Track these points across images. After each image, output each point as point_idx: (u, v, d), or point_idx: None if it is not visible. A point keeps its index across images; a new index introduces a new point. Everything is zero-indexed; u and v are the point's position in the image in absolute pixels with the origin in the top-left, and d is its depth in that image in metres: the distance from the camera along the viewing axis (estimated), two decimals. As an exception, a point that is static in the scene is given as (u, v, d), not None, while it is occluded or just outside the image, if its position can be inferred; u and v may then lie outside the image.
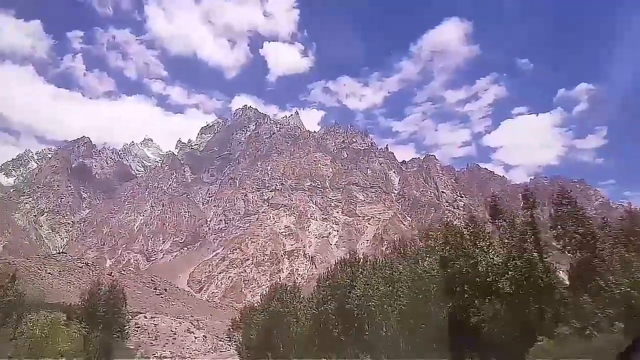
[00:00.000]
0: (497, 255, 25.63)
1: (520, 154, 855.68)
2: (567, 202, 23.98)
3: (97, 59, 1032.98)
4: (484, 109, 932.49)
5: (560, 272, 24.47)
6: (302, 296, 51.65)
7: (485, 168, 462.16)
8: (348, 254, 43.82)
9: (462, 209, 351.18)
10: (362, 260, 41.05)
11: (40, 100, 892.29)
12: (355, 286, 36.30)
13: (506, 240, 24.86)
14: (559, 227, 24.17)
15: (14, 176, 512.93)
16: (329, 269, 46.67)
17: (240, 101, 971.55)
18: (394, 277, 31.15)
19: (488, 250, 26.08)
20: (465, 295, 26.71)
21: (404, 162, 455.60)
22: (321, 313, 40.50)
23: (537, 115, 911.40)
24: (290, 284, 61.38)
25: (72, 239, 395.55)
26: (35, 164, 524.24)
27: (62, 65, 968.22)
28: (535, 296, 23.83)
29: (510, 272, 23.90)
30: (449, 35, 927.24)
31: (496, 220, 26.16)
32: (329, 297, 40.47)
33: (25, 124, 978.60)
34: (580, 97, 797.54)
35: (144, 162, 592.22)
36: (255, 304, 69.76)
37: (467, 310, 26.84)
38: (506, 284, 25.06)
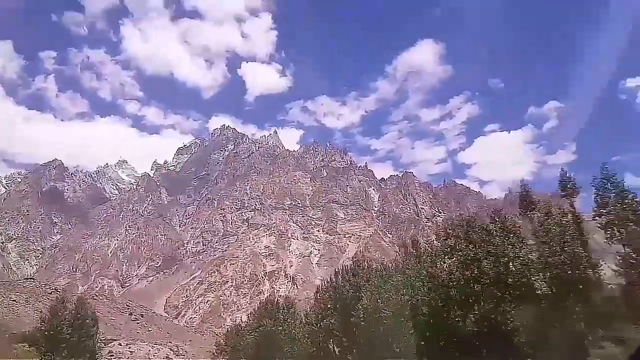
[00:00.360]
0: (532, 252, 22.41)
1: (493, 170, 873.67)
2: (613, 186, 20.88)
3: (71, 80, 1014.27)
4: (458, 127, 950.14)
5: (606, 265, 21.26)
6: (296, 312, 47.35)
7: (461, 184, 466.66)
8: (350, 263, 39.74)
9: (441, 224, 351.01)
10: (367, 267, 37.25)
11: (9, 122, 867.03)
12: (362, 297, 32.61)
13: (542, 233, 21.51)
14: (602, 214, 21.02)
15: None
16: (329, 279, 42.67)
17: (217, 121, 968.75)
18: (408, 284, 27.59)
19: (521, 246, 22.81)
20: (495, 300, 23.38)
21: (382, 179, 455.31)
22: (321, 329, 36.52)
23: (509, 132, 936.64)
24: (282, 299, 56.82)
25: (42, 266, 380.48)
26: (4, 189, 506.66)
27: (33, 86, 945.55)
28: (580, 295, 20.61)
29: (550, 270, 20.69)
30: (423, 56, 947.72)
31: (527, 212, 22.90)
32: (330, 311, 36.58)
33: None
34: (549, 114, 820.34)
35: (119, 184, 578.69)
36: (243, 324, 64.95)
37: (496, 317, 23.49)
38: (543, 285, 21.82)
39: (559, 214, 21.49)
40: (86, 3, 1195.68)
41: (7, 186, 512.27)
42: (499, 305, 23.35)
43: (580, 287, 20.41)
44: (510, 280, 22.48)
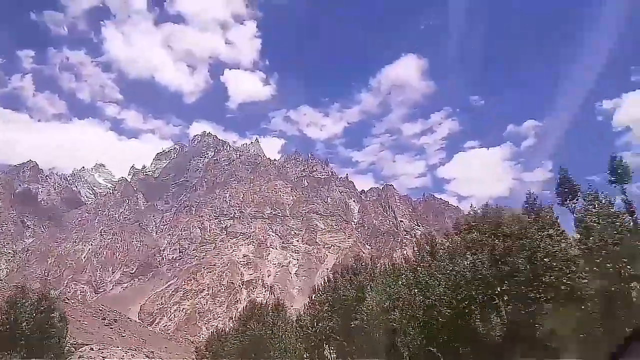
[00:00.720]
0: (573, 246, 19.94)
1: (472, 186, 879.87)
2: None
3: (49, 80, 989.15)
4: (438, 142, 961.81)
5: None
6: (287, 315, 43.98)
7: (440, 198, 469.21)
8: (353, 261, 36.71)
9: (419, 237, 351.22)
10: (371, 265, 34.31)
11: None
12: (366, 297, 29.72)
13: (589, 224, 18.95)
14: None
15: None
16: (326, 279, 39.56)
17: (199, 127, 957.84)
18: (423, 282, 24.87)
19: (560, 240, 20.33)
20: (527, 300, 20.82)
21: (363, 191, 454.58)
22: (318, 333, 33.39)
23: (487, 149, 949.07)
24: (272, 301, 53.20)
25: (12, 270, 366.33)
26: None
27: (9, 85, 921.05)
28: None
29: (597, 266, 18.21)
30: (407, 71, 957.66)
31: (566, 201, 20.37)
32: (327, 314, 33.51)
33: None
34: (527, 132, 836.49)
35: (95, 188, 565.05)
36: (226, 329, 60.90)
37: (527, 320, 20.92)
38: (587, 283, 19.28)
39: (605, 202, 19.00)
40: (67, 2, 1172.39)
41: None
42: (530, 307, 20.81)
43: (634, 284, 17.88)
44: (547, 278, 19.90)
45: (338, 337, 31.64)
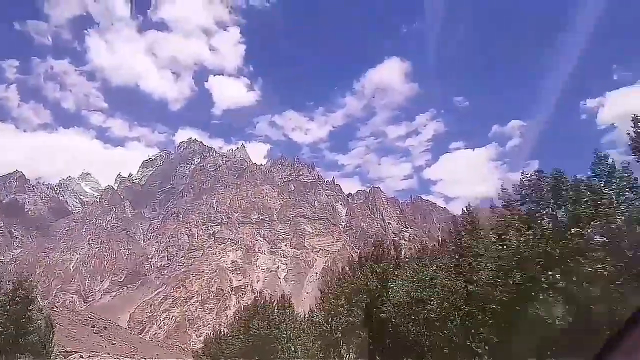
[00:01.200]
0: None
1: (459, 186, 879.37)
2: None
3: (33, 90, 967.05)
4: (424, 144, 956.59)
5: None
6: (294, 312, 39.73)
7: (428, 200, 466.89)
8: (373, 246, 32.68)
9: (407, 240, 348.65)
10: (395, 251, 30.44)
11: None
12: (392, 287, 25.89)
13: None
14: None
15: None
16: (341, 269, 35.48)
17: (184, 134, 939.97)
18: (466, 265, 21.22)
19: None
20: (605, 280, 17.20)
21: (350, 194, 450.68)
22: (334, 330, 29.41)
23: (473, 150, 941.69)
24: (277, 297, 48.76)
25: (0, 280, 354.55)
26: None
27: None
28: None
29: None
30: (390, 74, 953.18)
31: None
32: (345, 308, 29.59)
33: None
34: (512, 132, 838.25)
35: (82, 197, 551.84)
36: (225, 330, 56.30)
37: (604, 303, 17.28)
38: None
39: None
40: (51, 12, 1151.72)
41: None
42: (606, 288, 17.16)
43: None
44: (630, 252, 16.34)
45: (362, 333, 27.69)
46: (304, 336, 34.18)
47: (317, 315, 34.27)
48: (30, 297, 36.91)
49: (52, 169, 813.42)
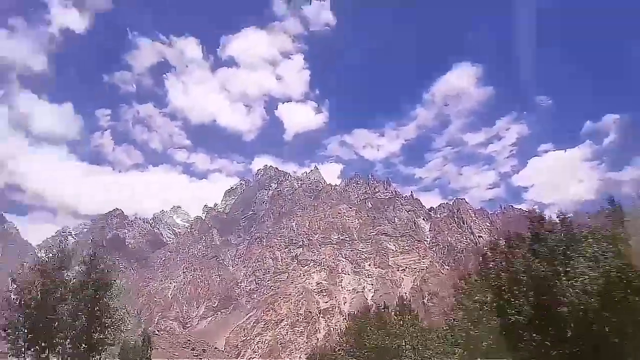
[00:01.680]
0: None
1: (553, 191, 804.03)
2: None
3: (124, 134, 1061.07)
4: (507, 149, 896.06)
5: None
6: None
7: (520, 208, 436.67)
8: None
9: (505, 254, 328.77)
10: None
11: (74, 177, 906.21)
12: (569, 271, 19.84)
13: None
14: None
15: (54, 252, 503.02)
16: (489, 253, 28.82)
17: (260, 162, 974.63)
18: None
19: None
20: None
21: (432, 208, 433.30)
22: (512, 324, 22.63)
23: (564, 151, 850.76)
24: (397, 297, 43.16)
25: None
26: (73, 239, 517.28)
27: (92, 142, 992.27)
28: None
29: None
30: (461, 80, 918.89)
31: None
32: (504, 298, 23.54)
33: (60, 201, 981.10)
34: (608, 128, 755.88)
35: (174, 229, 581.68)
36: (333, 344, 51.42)
37: None
38: None
39: None
40: (133, 62, 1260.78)
41: (76, 236, 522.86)
42: None
43: None
44: None
45: (525, 334, 21.22)
46: (436, 342, 28.34)
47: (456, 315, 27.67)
48: (103, 281, 32.83)
49: (146, 204, 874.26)
